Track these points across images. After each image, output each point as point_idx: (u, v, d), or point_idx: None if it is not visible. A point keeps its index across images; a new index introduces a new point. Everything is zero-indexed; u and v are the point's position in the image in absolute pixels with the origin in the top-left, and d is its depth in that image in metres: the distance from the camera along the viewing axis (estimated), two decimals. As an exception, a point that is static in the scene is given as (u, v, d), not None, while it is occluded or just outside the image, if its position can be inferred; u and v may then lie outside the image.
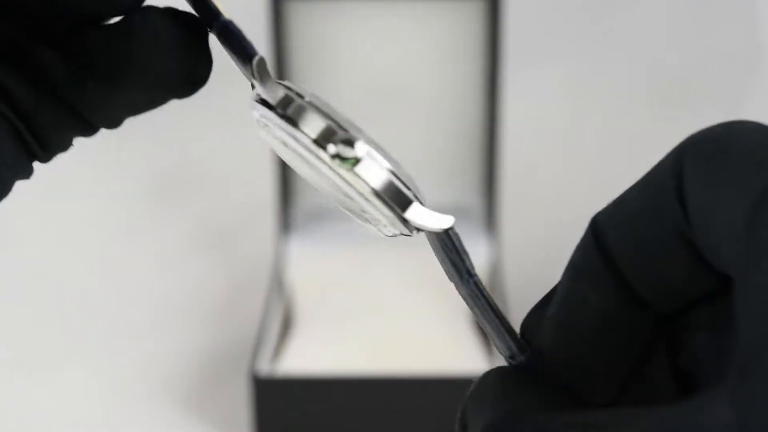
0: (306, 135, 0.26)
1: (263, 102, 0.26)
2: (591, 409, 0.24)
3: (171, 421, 0.86)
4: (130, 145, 1.13)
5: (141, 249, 1.04)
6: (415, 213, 0.26)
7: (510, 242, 0.98)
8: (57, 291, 0.99)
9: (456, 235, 0.26)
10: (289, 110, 0.26)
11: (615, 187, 0.26)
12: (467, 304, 0.26)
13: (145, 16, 0.27)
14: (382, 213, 0.26)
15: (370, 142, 0.26)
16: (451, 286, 0.26)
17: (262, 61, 0.26)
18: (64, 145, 0.29)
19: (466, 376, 0.26)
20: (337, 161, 0.25)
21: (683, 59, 1.27)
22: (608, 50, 1.28)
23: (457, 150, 0.96)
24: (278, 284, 0.92)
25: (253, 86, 0.27)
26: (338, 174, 0.25)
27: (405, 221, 0.26)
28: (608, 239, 0.24)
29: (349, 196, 0.26)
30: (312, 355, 0.87)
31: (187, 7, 0.28)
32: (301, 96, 0.26)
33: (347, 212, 0.28)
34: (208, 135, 1.16)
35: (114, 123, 0.29)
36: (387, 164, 0.25)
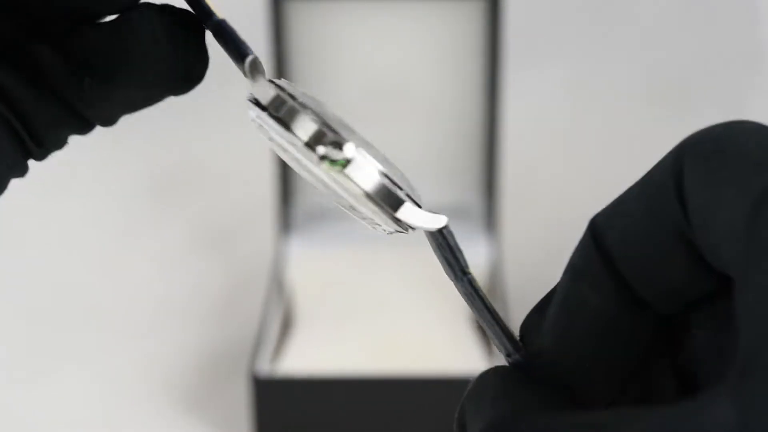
0: (297, 137, 0.26)
1: (257, 102, 0.27)
2: (591, 410, 0.24)
3: (171, 421, 0.86)
4: (130, 145, 1.13)
5: (141, 249, 1.04)
6: (406, 213, 0.26)
7: (510, 242, 0.98)
8: (56, 291, 0.99)
9: (450, 233, 0.26)
10: (280, 112, 0.26)
11: (615, 186, 0.26)
12: (466, 302, 0.26)
13: (142, 14, 0.27)
14: (374, 213, 0.26)
15: (362, 142, 0.26)
16: (452, 285, 0.27)
17: (254, 61, 0.27)
18: (60, 143, 0.29)
19: (466, 376, 0.26)
20: (326, 163, 0.25)
21: (683, 59, 1.27)
22: (608, 50, 1.28)
23: (457, 150, 0.96)
24: (278, 284, 0.92)
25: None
26: (329, 176, 0.25)
27: (397, 221, 0.26)
28: (607, 240, 0.24)
29: (342, 197, 0.26)
30: (312, 355, 0.87)
31: (184, 4, 0.28)
32: (293, 97, 0.26)
33: (346, 210, 0.28)
34: (208, 135, 1.16)
35: (110, 120, 0.29)
36: (377, 165, 0.25)
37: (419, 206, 0.26)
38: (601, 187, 0.98)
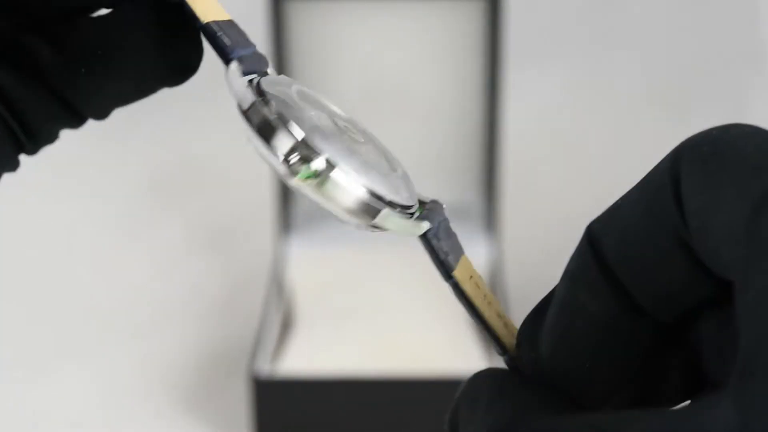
0: (271, 152, 0.26)
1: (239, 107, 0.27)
2: (592, 411, 0.24)
3: (170, 421, 0.86)
4: (130, 145, 1.13)
5: (141, 249, 1.04)
6: (384, 221, 0.26)
7: (510, 242, 0.98)
8: (56, 291, 0.99)
9: (435, 237, 0.26)
10: (257, 121, 0.26)
11: (615, 186, 0.26)
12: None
13: (135, 6, 0.27)
14: (351, 221, 0.26)
15: (342, 148, 0.26)
16: (451, 286, 0.27)
17: (234, 65, 0.27)
18: (51, 137, 0.29)
19: (466, 377, 0.25)
20: (295, 179, 0.25)
21: (683, 59, 1.27)
22: (609, 50, 1.28)
23: (457, 150, 0.96)
24: (278, 284, 0.92)
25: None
26: (301, 188, 0.25)
27: (376, 227, 0.26)
28: (604, 246, 0.24)
29: (319, 205, 0.26)
30: (312, 355, 0.87)
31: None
32: (269, 104, 0.26)
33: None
34: (208, 135, 1.16)
35: (103, 114, 0.29)
36: (353, 176, 0.25)
37: (410, 207, 0.27)
38: (602, 187, 0.98)
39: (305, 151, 0.25)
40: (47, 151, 0.30)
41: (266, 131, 0.26)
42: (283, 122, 0.26)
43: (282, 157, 0.25)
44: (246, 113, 0.26)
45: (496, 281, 0.91)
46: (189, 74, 0.28)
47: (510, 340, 0.27)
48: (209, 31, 0.27)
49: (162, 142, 1.15)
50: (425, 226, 0.26)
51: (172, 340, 0.93)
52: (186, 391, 0.88)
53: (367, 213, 0.26)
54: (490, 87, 0.93)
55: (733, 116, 1.17)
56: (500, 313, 0.27)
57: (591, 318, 0.24)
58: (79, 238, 1.05)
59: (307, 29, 0.92)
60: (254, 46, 0.28)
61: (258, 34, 0.90)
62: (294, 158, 0.25)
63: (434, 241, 0.26)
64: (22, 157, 0.29)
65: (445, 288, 0.27)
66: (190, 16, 0.27)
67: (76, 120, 0.29)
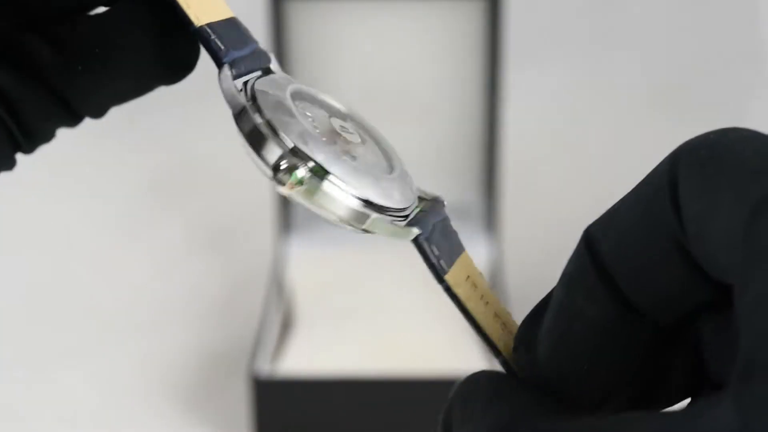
0: (261, 160, 0.26)
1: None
2: (592, 413, 0.24)
3: (170, 421, 0.86)
4: (130, 145, 1.13)
5: (140, 249, 1.04)
6: (372, 227, 0.26)
7: (510, 242, 0.98)
8: (56, 291, 0.99)
9: (426, 241, 0.26)
10: (246, 129, 0.26)
11: (615, 187, 0.26)
12: None
13: (132, 4, 0.27)
14: (345, 227, 0.26)
15: (332, 153, 0.26)
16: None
17: (225, 70, 0.27)
18: (48, 136, 0.29)
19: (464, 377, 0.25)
20: (287, 187, 0.25)
21: (683, 59, 1.27)
22: (609, 50, 1.28)
23: (457, 150, 0.96)
24: (278, 284, 0.92)
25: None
26: (291, 196, 0.26)
27: (367, 231, 0.26)
28: (602, 250, 0.24)
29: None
30: (312, 355, 0.87)
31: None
32: (260, 109, 0.26)
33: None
34: (208, 135, 1.16)
35: (100, 112, 0.29)
36: (341, 183, 0.26)
37: (403, 210, 0.26)
38: (601, 187, 0.98)
39: (293, 159, 0.25)
40: (48, 151, 0.30)
41: (255, 139, 0.26)
42: (272, 130, 0.26)
43: (271, 166, 0.25)
44: (236, 119, 0.26)
45: (496, 281, 0.91)
46: (186, 72, 0.28)
47: (509, 340, 0.27)
48: (202, 35, 0.27)
49: (162, 142, 1.15)
50: (415, 232, 0.26)
51: (172, 340, 0.93)
52: (186, 391, 0.88)
53: (356, 219, 0.26)
54: (490, 87, 0.93)
55: (733, 116, 1.17)
56: (499, 312, 0.27)
57: (588, 321, 0.24)
58: (78, 238, 1.05)
59: (307, 29, 0.92)
60: (255, 44, 0.28)
61: (258, 34, 0.90)
62: (283, 166, 0.25)
63: (425, 246, 0.26)
64: (23, 157, 0.29)
65: (445, 288, 0.27)
66: (183, 19, 0.27)
67: (73, 119, 0.29)
